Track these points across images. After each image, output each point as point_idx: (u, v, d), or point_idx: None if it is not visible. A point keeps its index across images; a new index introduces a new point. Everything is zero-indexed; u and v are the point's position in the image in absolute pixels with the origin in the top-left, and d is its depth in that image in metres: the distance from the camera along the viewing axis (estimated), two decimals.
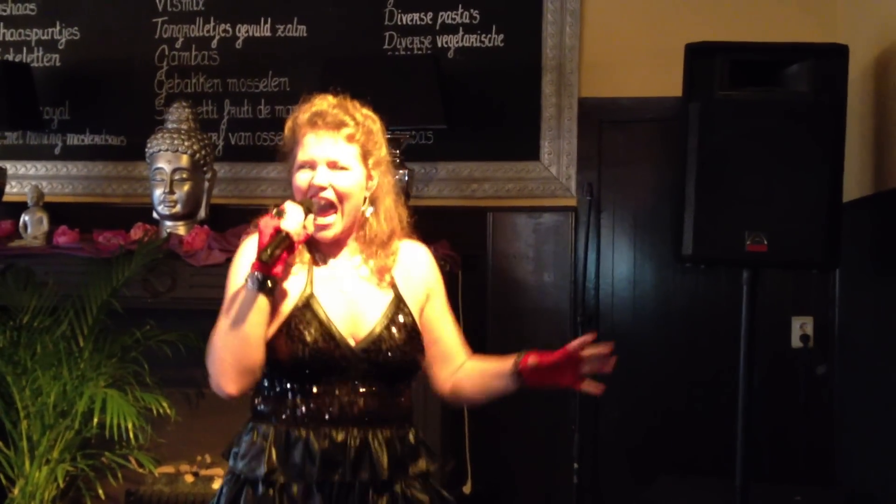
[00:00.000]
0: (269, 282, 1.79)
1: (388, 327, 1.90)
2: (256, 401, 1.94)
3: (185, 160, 3.39)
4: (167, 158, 3.39)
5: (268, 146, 3.68)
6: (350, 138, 1.90)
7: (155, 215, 3.46)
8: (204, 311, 3.17)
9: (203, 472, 3.42)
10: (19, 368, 3.16)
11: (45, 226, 3.49)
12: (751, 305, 2.72)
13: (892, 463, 2.74)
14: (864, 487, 3.01)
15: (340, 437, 1.86)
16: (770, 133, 2.63)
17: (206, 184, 3.46)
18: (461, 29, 3.59)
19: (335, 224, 1.90)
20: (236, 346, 1.79)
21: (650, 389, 3.42)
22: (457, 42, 3.60)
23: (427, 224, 2.12)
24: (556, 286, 3.47)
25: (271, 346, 1.85)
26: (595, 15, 3.48)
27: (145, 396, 3.17)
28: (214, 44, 3.74)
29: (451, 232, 3.28)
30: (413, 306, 1.96)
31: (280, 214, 1.81)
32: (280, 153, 1.98)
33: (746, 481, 2.72)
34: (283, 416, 1.88)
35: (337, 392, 1.86)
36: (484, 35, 3.58)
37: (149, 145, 3.45)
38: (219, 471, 3.39)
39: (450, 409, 3.26)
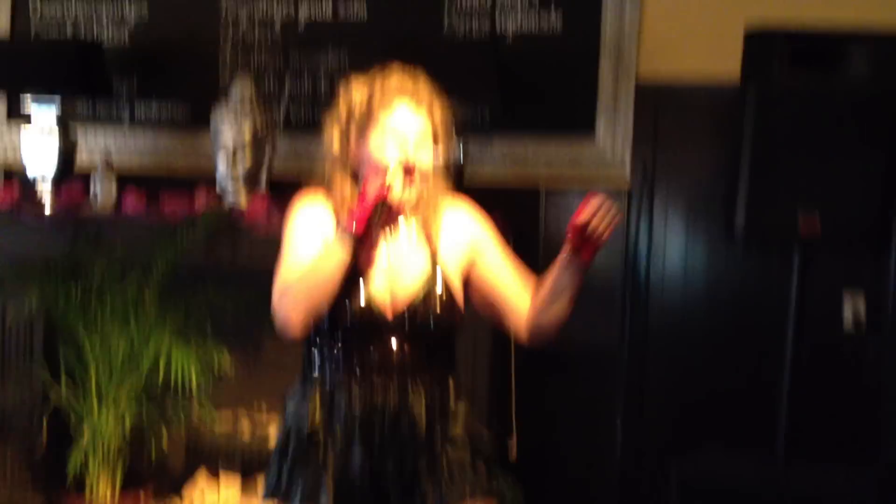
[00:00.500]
0: (357, 243, 1.93)
1: (424, 298, 2.02)
2: (306, 354, 2.09)
3: (247, 132, 3.52)
4: (230, 130, 3.52)
5: None
6: (431, 116, 2.03)
7: (218, 184, 3.58)
8: (262, 276, 3.35)
9: (259, 423, 3.61)
10: (90, 321, 3.35)
11: (114, 192, 3.63)
12: (801, 285, 2.76)
13: None
14: None
15: (379, 395, 2.00)
16: (828, 118, 2.67)
17: (267, 155, 3.57)
18: (520, 11, 3.65)
19: (411, 197, 2.02)
20: (316, 292, 1.93)
21: (698, 364, 3.46)
22: (515, 24, 3.66)
23: (481, 203, 2.22)
24: (608, 266, 3.50)
25: None
26: None
27: (206, 350, 3.34)
28: (277, 23, 3.85)
29: (504, 211, 3.35)
30: (454, 271, 2.07)
31: (389, 188, 1.93)
32: (334, 119, 2.07)
33: (788, 452, 2.76)
34: (329, 371, 2.03)
35: (379, 350, 2.00)
36: (543, 17, 3.63)
37: (213, 118, 3.58)
38: (274, 422, 3.56)
39: (497, 377, 3.36)
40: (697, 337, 3.47)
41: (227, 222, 3.43)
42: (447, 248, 2.08)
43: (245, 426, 3.62)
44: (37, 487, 3.67)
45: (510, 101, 3.47)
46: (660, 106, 3.51)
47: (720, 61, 3.25)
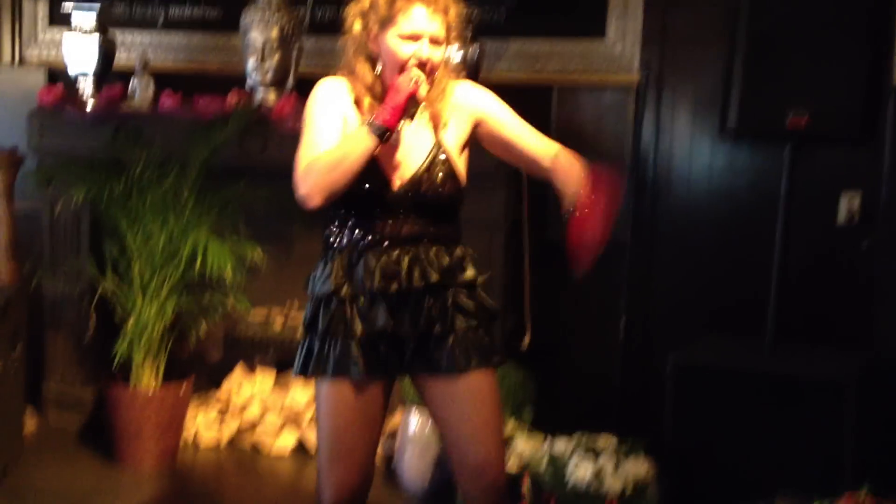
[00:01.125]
0: (388, 132, 2.11)
1: (427, 170, 2.21)
2: (326, 233, 2.30)
3: (275, 33, 3.67)
4: (259, 31, 3.67)
5: None
6: (446, 16, 2.18)
7: (248, 83, 3.75)
8: (291, 173, 3.54)
9: (292, 316, 3.79)
10: (132, 215, 3.51)
11: (151, 90, 3.80)
12: (790, 178, 2.93)
13: None
14: (893, 351, 3.24)
15: (395, 254, 2.21)
16: (818, 15, 2.78)
17: (294, 55, 3.73)
18: None
19: (423, 91, 2.16)
20: (338, 173, 2.10)
21: (703, 258, 3.64)
22: None
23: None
24: (615, 160, 3.67)
25: None
26: None
27: (241, 244, 3.50)
28: None
29: (518, 108, 3.50)
30: (455, 144, 2.24)
31: (418, 83, 2.11)
32: (358, 17, 2.21)
33: (776, 338, 2.98)
34: (346, 243, 2.24)
35: (389, 221, 2.21)
36: None
37: (242, 18, 3.72)
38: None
39: (511, 273, 3.56)
40: (699, 231, 3.64)
41: (257, 119, 3.58)
42: (451, 124, 2.25)
43: (278, 321, 3.77)
44: (85, 375, 3.84)
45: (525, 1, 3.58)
46: (669, 2, 3.61)
47: None
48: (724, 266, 3.61)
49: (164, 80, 3.88)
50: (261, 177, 3.63)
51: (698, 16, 3.57)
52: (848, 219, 3.48)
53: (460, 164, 2.28)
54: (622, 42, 3.66)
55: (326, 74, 4.00)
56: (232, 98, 3.71)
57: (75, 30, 3.85)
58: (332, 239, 2.29)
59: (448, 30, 2.20)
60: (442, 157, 2.23)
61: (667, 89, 3.66)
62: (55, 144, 3.78)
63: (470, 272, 2.27)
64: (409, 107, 2.13)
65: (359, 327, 2.20)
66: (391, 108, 2.11)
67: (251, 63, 3.70)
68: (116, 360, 3.53)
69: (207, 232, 3.48)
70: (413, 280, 2.20)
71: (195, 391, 3.83)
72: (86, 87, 3.87)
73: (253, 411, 3.76)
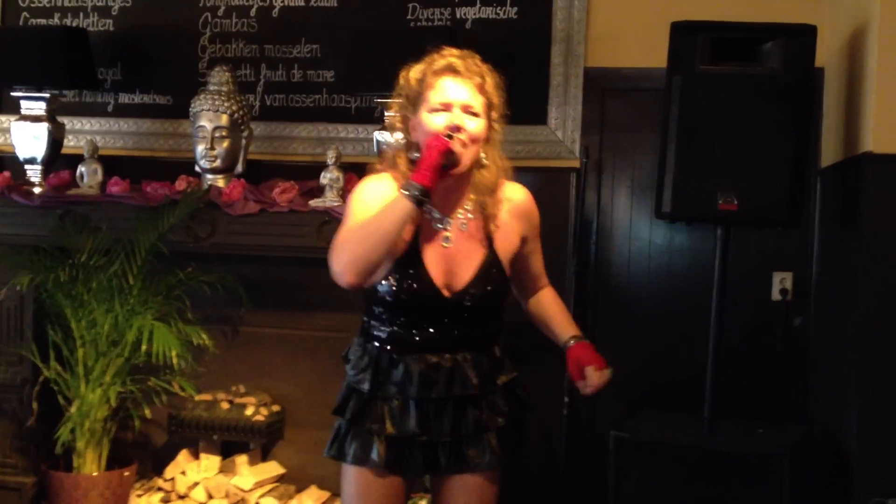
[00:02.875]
0: (425, 195, 2.02)
1: (478, 283, 2.17)
2: (366, 319, 2.26)
3: (224, 119, 3.73)
4: (209, 117, 3.73)
5: (300, 107, 4.03)
6: (480, 88, 2.12)
7: (197, 169, 3.80)
8: (240, 255, 3.59)
9: (237, 401, 3.76)
10: (77, 302, 3.51)
11: (100, 176, 3.81)
12: (723, 258, 3.04)
13: (847, 400, 3.05)
14: (825, 424, 3.33)
15: (434, 360, 2.17)
16: (744, 104, 2.91)
17: (244, 141, 3.79)
18: (478, 1, 3.89)
19: (465, 160, 2.08)
20: (372, 243, 2.02)
21: (642, 336, 3.74)
22: (474, 14, 3.90)
23: None
24: (557, 241, 3.75)
25: (387, 274, 2.13)
26: None
27: (187, 329, 3.51)
28: (253, 12, 4.07)
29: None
30: (506, 258, 2.22)
31: (451, 137, 2.03)
32: (391, 105, 2.21)
33: (714, 413, 3.05)
34: (385, 339, 2.19)
35: (431, 327, 2.17)
36: (499, 7, 3.87)
37: (192, 105, 3.78)
38: (251, 399, 3.75)
39: None
40: (640, 309, 3.75)
41: (206, 204, 3.62)
42: (504, 235, 2.22)
43: (224, 405, 3.74)
44: (27, 461, 3.76)
45: None
46: (606, 91, 3.77)
47: (661, 51, 3.47)
48: (664, 343, 3.70)
49: (113, 165, 3.92)
50: (210, 261, 3.69)
51: (634, 104, 3.73)
52: (782, 295, 3.60)
53: (509, 270, 2.25)
54: (563, 128, 3.80)
55: (276, 159, 4.14)
56: (181, 183, 3.76)
57: (24, 118, 3.89)
58: (371, 328, 2.22)
59: (486, 101, 2.14)
60: (494, 267, 2.19)
61: (606, 173, 3.79)
62: (1, 231, 3.77)
63: (506, 375, 2.26)
64: (447, 165, 2.03)
65: (389, 427, 2.17)
66: (423, 167, 2.03)
67: (200, 149, 3.75)
68: (59, 446, 3.48)
69: (153, 317, 3.49)
70: (453, 388, 2.17)
71: (138, 477, 3.78)
72: (34, 173, 3.89)
73: (197, 497, 3.71)
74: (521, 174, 3.77)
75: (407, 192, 2.03)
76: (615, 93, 3.77)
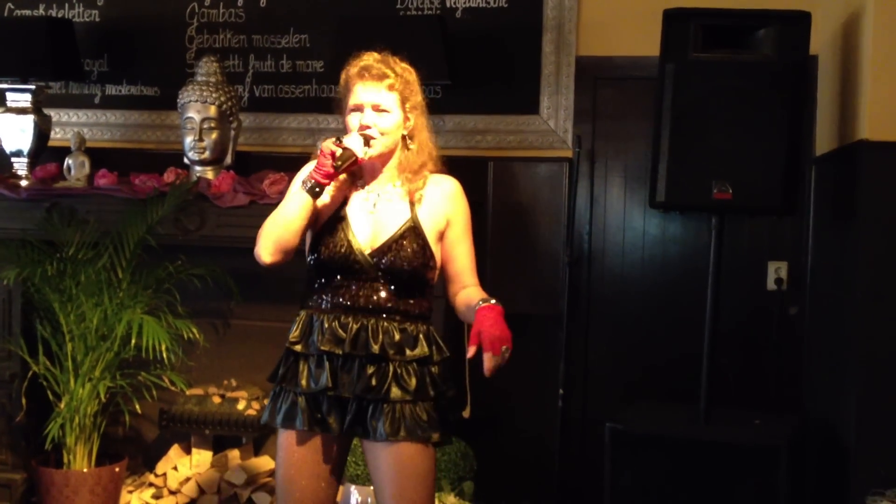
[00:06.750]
0: (317, 188, 2.31)
1: (398, 241, 2.34)
2: (304, 292, 2.44)
3: (213, 110, 3.69)
4: (197, 109, 3.69)
5: (289, 98, 3.99)
6: (391, 87, 2.35)
7: (185, 160, 3.76)
8: (229, 248, 3.55)
9: (229, 395, 3.73)
10: (65, 296, 3.48)
11: (87, 169, 3.79)
12: (718, 247, 3.01)
13: (844, 390, 3.04)
14: (822, 414, 3.32)
15: (346, 320, 2.34)
16: (737, 92, 2.89)
17: (232, 132, 3.76)
18: None
19: (376, 147, 2.35)
20: (279, 228, 2.33)
21: (636, 326, 3.71)
22: (464, 2, 3.86)
23: None
24: (550, 231, 3.75)
25: (313, 246, 2.39)
26: None
27: (177, 323, 3.48)
28: (240, 2, 4.03)
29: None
30: (430, 230, 2.38)
31: (340, 140, 2.31)
32: (335, 102, 2.45)
33: (710, 404, 3.03)
34: (312, 304, 2.40)
35: (354, 288, 2.35)
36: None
37: (180, 96, 3.74)
38: (243, 393, 3.72)
39: (452, 346, 3.58)
40: (634, 299, 3.72)
41: (195, 196, 3.58)
42: (428, 210, 2.39)
43: (215, 399, 3.71)
44: (16, 458, 3.71)
45: (459, 76, 3.65)
46: (598, 79, 3.73)
47: (652, 38, 3.42)
48: (658, 333, 3.68)
49: (101, 157, 3.88)
50: (199, 254, 3.66)
51: (626, 93, 3.70)
52: (777, 285, 3.58)
53: (434, 245, 2.39)
54: (555, 117, 3.77)
55: (265, 151, 4.09)
56: (169, 175, 3.72)
57: (10, 110, 3.84)
58: (304, 297, 2.43)
59: (400, 97, 2.36)
60: (414, 229, 2.36)
61: (599, 163, 3.76)
62: None
63: (419, 350, 2.35)
64: (346, 160, 2.29)
65: (304, 382, 2.34)
66: (316, 168, 2.32)
67: (189, 140, 3.71)
68: (48, 442, 3.45)
69: (143, 311, 3.45)
70: (357, 347, 2.32)
71: (129, 472, 3.75)
72: (20, 166, 3.85)
73: (189, 492, 3.68)
74: (512, 164, 3.84)
75: (305, 187, 2.33)
76: (607, 81, 3.74)
